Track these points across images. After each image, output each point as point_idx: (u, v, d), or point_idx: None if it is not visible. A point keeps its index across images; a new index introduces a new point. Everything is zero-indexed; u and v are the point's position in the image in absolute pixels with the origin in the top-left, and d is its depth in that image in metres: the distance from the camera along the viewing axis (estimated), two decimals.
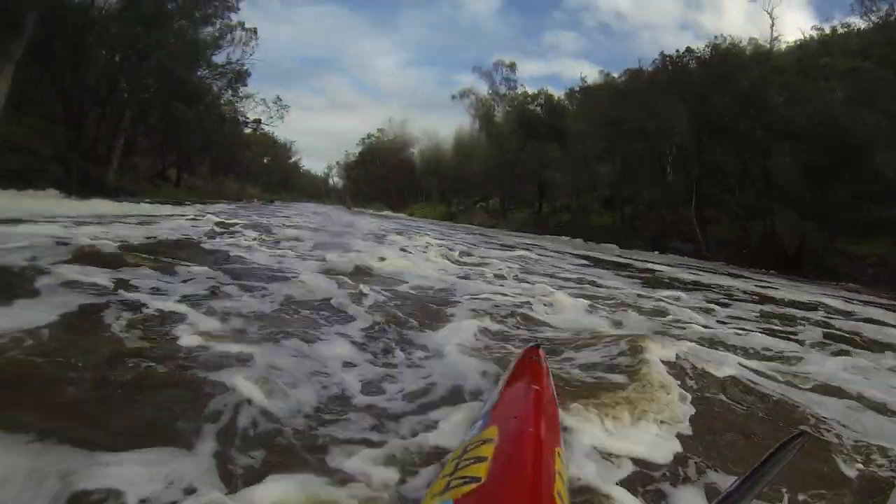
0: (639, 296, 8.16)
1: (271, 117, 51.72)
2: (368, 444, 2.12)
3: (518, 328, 4.72)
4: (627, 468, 2.19)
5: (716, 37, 37.08)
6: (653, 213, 41.35)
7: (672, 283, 12.04)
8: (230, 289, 4.73)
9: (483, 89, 64.33)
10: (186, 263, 5.52)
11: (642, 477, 2.17)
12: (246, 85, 44.40)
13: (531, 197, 59.16)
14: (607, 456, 2.24)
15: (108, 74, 29.40)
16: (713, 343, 4.77)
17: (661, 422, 2.64)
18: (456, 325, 4.40)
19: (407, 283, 6.48)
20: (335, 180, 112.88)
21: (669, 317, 6.34)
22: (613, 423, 2.49)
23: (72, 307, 3.37)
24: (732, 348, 4.71)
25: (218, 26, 35.85)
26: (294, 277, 5.55)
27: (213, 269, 5.44)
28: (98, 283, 4.04)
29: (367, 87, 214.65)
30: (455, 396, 2.72)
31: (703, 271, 19.10)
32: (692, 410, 2.84)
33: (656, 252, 32.25)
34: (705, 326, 5.81)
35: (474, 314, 4.81)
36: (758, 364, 4.06)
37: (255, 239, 9.91)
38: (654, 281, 12.21)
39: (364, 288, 5.27)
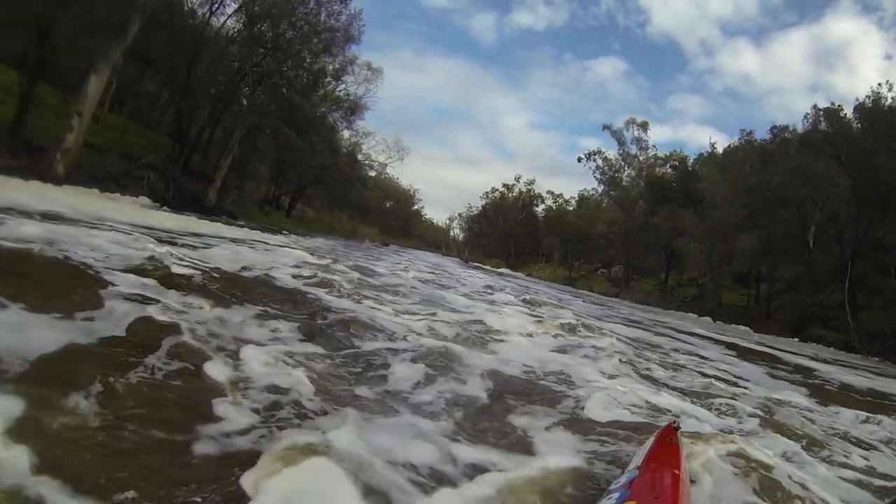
0: (825, 426, 5.78)
1: (390, 157, 52.42)
2: None
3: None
4: None
5: (879, 84, 31.37)
6: (790, 295, 37.56)
7: (847, 394, 9.59)
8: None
9: (612, 150, 62.06)
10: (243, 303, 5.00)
11: None
12: (363, 119, 45.20)
13: (656, 267, 56.10)
14: None
15: (223, 95, 29.93)
16: None
17: None
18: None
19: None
20: (456, 232, 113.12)
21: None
22: None
23: None
24: None
25: (339, 57, 36.27)
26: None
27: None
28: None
29: (494, 145, 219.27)
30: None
31: (871, 372, 16.04)
32: None
33: (796, 339, 28.95)
34: None
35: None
36: None
37: (349, 282, 9.28)
38: (821, 389, 9.59)
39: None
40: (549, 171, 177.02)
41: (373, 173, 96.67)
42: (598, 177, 61.15)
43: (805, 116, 35.84)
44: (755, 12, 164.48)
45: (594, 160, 59.98)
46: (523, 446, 3.18)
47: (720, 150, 48.23)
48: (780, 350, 18.98)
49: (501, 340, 6.80)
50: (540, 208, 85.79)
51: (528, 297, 18.76)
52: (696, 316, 35.70)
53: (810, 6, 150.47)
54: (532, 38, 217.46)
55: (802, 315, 33.89)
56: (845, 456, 4.32)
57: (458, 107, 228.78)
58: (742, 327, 31.48)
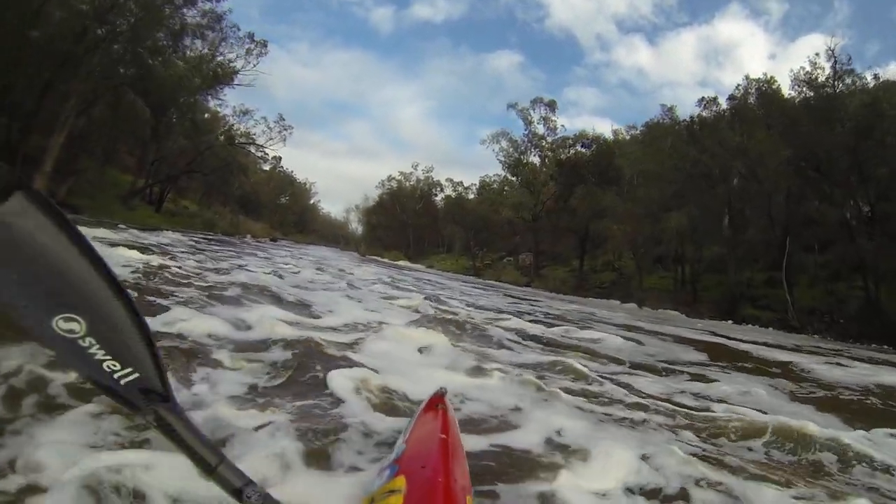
0: None
1: (271, 139, 46.41)
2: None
3: None
4: None
5: (816, 54, 29.75)
6: (714, 276, 35.21)
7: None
8: None
9: (517, 131, 58.50)
10: None
11: None
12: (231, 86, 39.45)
13: (567, 253, 52.96)
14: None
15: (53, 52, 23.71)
16: None
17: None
18: None
19: None
20: (354, 226, 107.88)
21: None
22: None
23: None
24: None
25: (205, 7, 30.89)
26: None
27: None
28: None
29: (390, 137, 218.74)
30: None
31: (843, 358, 12.66)
32: None
33: (730, 321, 27.16)
34: None
35: None
36: None
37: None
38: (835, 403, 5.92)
39: None
40: (447, 162, 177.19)
41: (266, 167, 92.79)
42: (503, 159, 56.95)
43: (738, 86, 34.25)
44: (649, 11, 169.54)
45: (498, 142, 55.80)
46: None
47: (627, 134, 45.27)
48: (729, 339, 15.43)
49: None
50: (439, 197, 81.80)
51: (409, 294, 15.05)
52: (619, 302, 32.65)
53: (701, 8, 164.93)
54: (430, 30, 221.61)
55: (730, 295, 31.89)
56: None
57: (355, 100, 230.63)
58: (672, 312, 29.20)
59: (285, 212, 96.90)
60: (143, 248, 11.54)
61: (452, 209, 69.90)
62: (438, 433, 1.93)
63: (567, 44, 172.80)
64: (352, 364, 3.90)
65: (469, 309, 11.71)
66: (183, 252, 13.66)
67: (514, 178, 58.91)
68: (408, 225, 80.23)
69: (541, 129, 54.51)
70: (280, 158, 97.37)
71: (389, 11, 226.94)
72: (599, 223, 41.24)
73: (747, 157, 30.14)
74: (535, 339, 7.97)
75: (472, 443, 2.80)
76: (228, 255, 17.28)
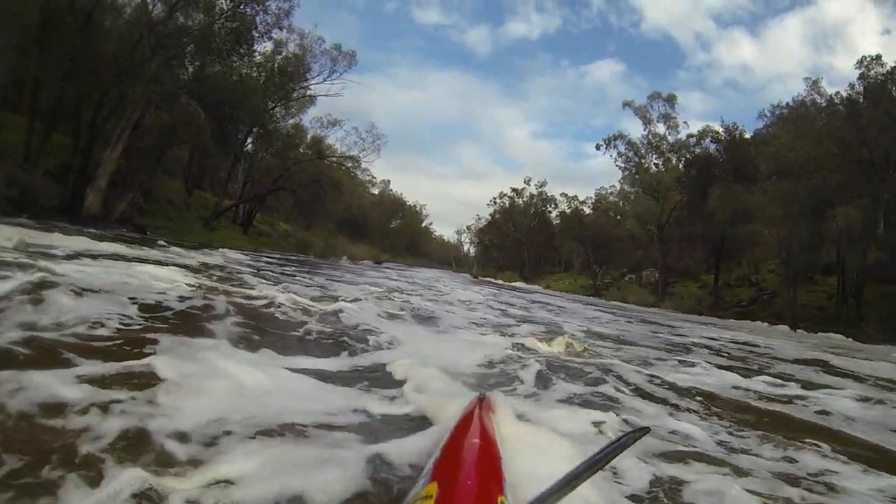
0: None
1: (364, 150, 44.00)
2: None
3: None
4: None
5: None
6: (874, 287, 29.77)
7: None
8: None
9: (635, 132, 53.70)
10: None
11: None
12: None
13: (696, 267, 47.87)
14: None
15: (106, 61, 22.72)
16: None
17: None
18: None
19: None
20: (467, 248, 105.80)
21: None
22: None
23: None
24: None
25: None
26: None
27: None
28: None
29: (497, 157, 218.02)
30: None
31: None
32: None
33: None
34: None
35: None
36: None
37: None
38: None
39: None
40: (555, 179, 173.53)
41: (375, 190, 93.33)
42: (622, 165, 51.81)
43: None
44: (746, 0, 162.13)
45: (615, 146, 50.89)
46: None
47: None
48: None
49: None
50: (553, 213, 78.21)
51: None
52: (766, 325, 27.96)
53: None
54: (528, 47, 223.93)
55: None
56: None
57: (460, 121, 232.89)
58: (835, 336, 24.04)
59: (396, 235, 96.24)
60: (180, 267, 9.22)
61: (570, 224, 65.72)
62: (472, 437, 1.95)
63: (666, 46, 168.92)
64: None
65: (619, 351, 8.57)
66: (229, 272, 11.17)
67: (634, 186, 54.11)
68: (522, 243, 76.89)
69: (661, 129, 49.68)
70: (389, 182, 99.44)
71: (484, 31, 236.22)
72: (743, 227, 35.81)
73: None
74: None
75: None
76: (295, 274, 14.80)
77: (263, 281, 10.57)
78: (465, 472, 1.64)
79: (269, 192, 40.12)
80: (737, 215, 35.65)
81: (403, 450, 2.44)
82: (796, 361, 11.12)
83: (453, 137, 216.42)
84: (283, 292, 7.93)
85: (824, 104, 32.03)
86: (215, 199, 36.03)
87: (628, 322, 18.19)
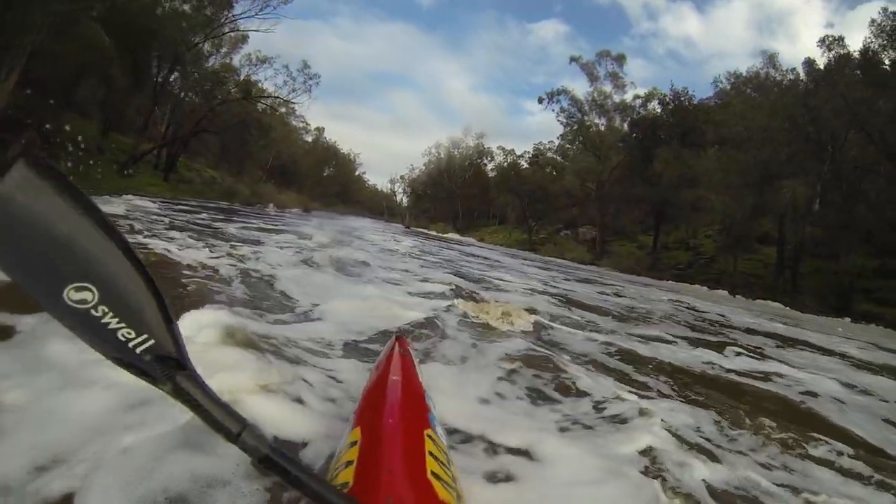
0: None
1: (294, 90, 41.26)
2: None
3: None
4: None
5: None
6: (812, 261, 29.91)
7: None
8: None
9: (579, 89, 52.21)
10: None
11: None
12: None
13: (632, 227, 47.42)
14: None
15: None
16: None
17: None
18: None
19: None
20: (401, 197, 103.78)
21: None
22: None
23: None
24: None
25: None
26: None
27: None
28: None
29: (435, 108, 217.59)
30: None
31: None
32: None
33: (848, 319, 21.73)
34: None
35: None
36: None
37: None
38: None
39: None
40: (493, 135, 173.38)
41: (308, 138, 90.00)
42: (564, 121, 50.60)
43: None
44: None
45: (558, 101, 49.35)
46: None
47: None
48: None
49: None
50: (490, 166, 77.16)
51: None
52: (705, 289, 27.77)
53: None
54: (473, 1, 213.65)
55: (837, 286, 26.69)
56: None
57: (400, 70, 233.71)
58: (773, 304, 24.28)
59: (329, 183, 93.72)
60: None
61: (507, 177, 64.49)
62: (392, 376, 1.90)
63: (613, 12, 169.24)
64: None
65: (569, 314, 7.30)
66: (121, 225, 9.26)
67: (574, 143, 52.93)
68: (456, 195, 75.56)
69: (608, 87, 48.37)
70: (323, 129, 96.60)
71: None
72: (688, 192, 34.77)
73: (877, 116, 24.64)
74: None
75: None
76: (206, 226, 12.87)
77: (159, 234, 8.84)
78: (386, 411, 1.58)
79: (192, 134, 36.63)
80: (683, 179, 34.99)
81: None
82: (752, 332, 10.31)
83: (392, 88, 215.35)
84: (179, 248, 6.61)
85: (779, 79, 31.40)
86: (133, 143, 32.72)
87: (568, 280, 17.09)
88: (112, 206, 11.79)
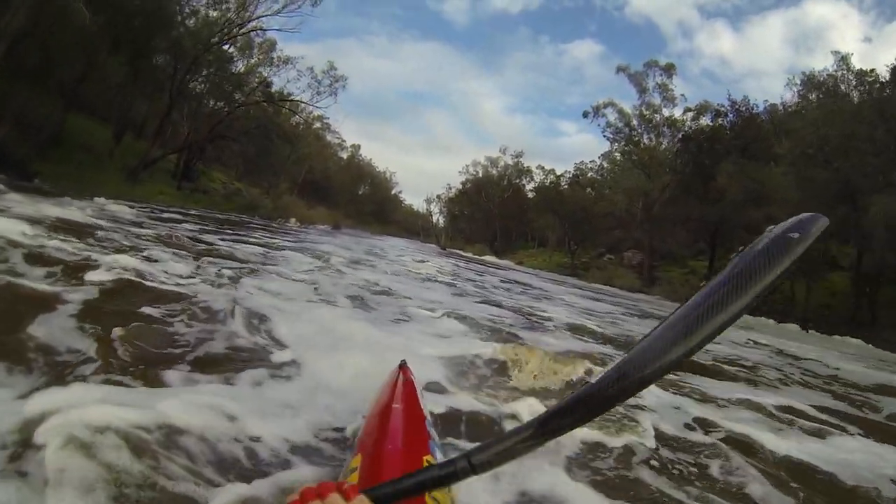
0: None
1: (319, 93, 38.98)
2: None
3: None
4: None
5: None
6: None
7: None
8: None
9: (627, 101, 49.27)
10: None
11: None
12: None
13: (679, 251, 44.41)
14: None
15: None
16: None
17: None
18: None
19: None
20: (437, 218, 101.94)
21: None
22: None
23: None
24: None
25: None
26: None
27: None
28: None
29: (469, 129, 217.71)
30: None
31: None
32: None
33: None
34: None
35: None
36: None
37: None
38: None
39: None
40: (527, 156, 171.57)
41: (344, 155, 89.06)
42: (610, 136, 47.46)
43: None
44: None
45: (603, 115, 46.21)
46: None
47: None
48: None
49: None
50: (528, 186, 74.17)
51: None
52: (773, 322, 24.76)
53: None
54: (507, 21, 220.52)
55: None
56: None
57: (434, 91, 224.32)
58: (852, 341, 20.97)
59: (364, 202, 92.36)
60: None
61: (548, 196, 61.47)
62: (394, 403, 1.92)
63: (648, 31, 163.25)
64: None
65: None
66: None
67: (623, 159, 49.53)
68: (494, 216, 72.94)
69: (656, 99, 45.21)
70: (359, 147, 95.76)
71: (464, 3, 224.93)
72: (755, 211, 30.58)
73: None
74: None
75: None
76: (199, 240, 10.89)
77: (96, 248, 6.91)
78: (387, 438, 1.61)
79: (209, 140, 34.81)
80: (749, 196, 31.50)
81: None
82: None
83: (426, 107, 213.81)
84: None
85: (854, 83, 28.36)
86: (147, 148, 31.15)
87: (629, 315, 14.66)
88: (71, 209, 9.89)
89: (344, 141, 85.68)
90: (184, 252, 7.85)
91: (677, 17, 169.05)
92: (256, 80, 37.64)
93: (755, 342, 13.02)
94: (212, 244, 10.36)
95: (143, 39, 26.07)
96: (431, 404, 2.78)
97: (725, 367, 7.44)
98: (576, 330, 8.52)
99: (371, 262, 13.90)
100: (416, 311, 7.26)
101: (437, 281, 13.35)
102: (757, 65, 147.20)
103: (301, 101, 39.22)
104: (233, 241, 12.23)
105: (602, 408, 0.92)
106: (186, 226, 13.91)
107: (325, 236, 26.22)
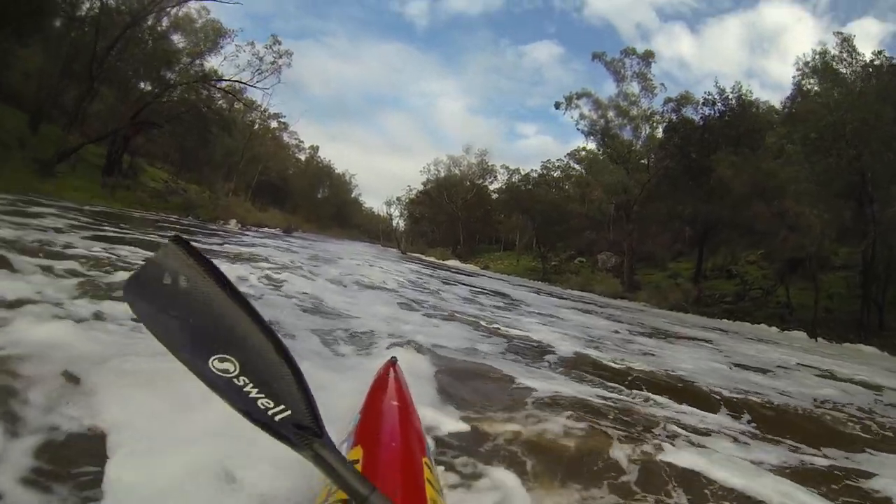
0: None
1: (261, 71, 35.03)
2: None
3: None
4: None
5: None
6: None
7: None
8: None
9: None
10: None
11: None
12: None
13: (659, 253, 41.84)
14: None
15: None
16: None
17: None
18: None
19: None
20: (398, 221, 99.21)
21: None
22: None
23: None
24: None
25: None
26: None
27: None
28: None
29: (430, 131, 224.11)
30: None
31: None
32: None
33: None
34: None
35: None
36: None
37: None
38: None
39: None
40: (489, 157, 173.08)
41: (302, 156, 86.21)
42: (584, 128, 43.48)
43: None
44: None
45: (576, 106, 42.74)
46: None
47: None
48: None
49: None
50: (493, 186, 72.08)
51: None
52: (776, 330, 22.37)
53: None
54: (467, 22, 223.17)
55: None
56: None
57: (394, 93, 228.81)
58: (866, 348, 19.35)
59: (323, 205, 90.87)
60: None
61: (517, 195, 57.79)
62: (391, 400, 1.97)
63: (607, 34, 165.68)
64: None
65: None
66: None
67: (600, 153, 45.85)
68: (457, 218, 70.17)
69: (635, 88, 41.81)
70: (317, 148, 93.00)
71: (424, 4, 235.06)
72: (761, 206, 26.68)
73: None
74: None
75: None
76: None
77: None
78: (388, 435, 1.63)
79: (132, 126, 30.00)
80: (755, 189, 27.74)
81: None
82: None
83: (387, 109, 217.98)
84: None
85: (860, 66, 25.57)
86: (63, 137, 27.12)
87: (639, 331, 11.42)
88: None
89: (302, 142, 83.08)
90: None
91: (635, 19, 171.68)
92: (187, 56, 33.20)
93: (802, 365, 9.99)
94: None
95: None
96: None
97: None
98: (590, 368, 5.31)
99: (312, 269, 10.81)
100: (349, 333, 5.14)
101: (392, 290, 10.38)
102: (715, 67, 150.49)
103: (240, 82, 34.80)
104: (109, 242, 8.70)
105: None
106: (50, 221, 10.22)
107: (267, 240, 22.46)
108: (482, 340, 6.00)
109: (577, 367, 5.33)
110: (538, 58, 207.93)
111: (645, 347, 8.31)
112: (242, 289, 5.27)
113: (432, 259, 53.01)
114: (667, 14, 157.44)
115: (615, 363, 5.95)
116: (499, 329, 7.22)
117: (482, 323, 7.58)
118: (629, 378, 5.11)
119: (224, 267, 7.29)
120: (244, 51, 34.78)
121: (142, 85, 32.23)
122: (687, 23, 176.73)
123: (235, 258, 10.28)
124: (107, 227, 11.42)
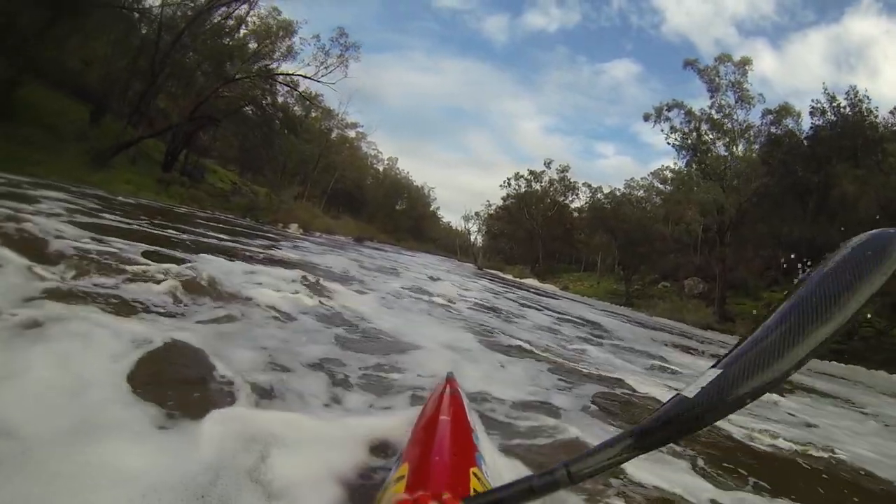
0: None
1: (325, 65, 33.37)
2: None
3: None
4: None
5: None
6: None
7: None
8: None
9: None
10: None
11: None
12: None
13: (752, 281, 38.90)
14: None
15: None
16: None
17: None
18: None
19: None
20: (475, 237, 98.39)
21: None
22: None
23: None
24: None
25: None
26: None
27: None
28: None
29: (508, 148, 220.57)
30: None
31: None
32: None
33: None
34: None
35: None
36: None
37: None
38: None
39: None
40: (575, 175, 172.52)
41: (381, 167, 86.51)
42: (676, 142, 40.68)
43: None
44: (772, 10, 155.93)
45: (667, 118, 40.15)
46: None
47: None
48: None
49: None
50: (574, 204, 70.16)
51: None
52: (885, 374, 19.46)
53: (830, 5, 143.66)
54: (545, 40, 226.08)
55: None
56: None
57: (472, 109, 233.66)
58: None
59: (402, 217, 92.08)
60: None
61: (602, 214, 55.62)
62: (441, 414, 1.94)
63: (685, 50, 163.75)
64: None
65: None
66: None
67: (694, 169, 41.83)
68: (537, 235, 68.17)
69: (731, 98, 38.65)
70: (396, 160, 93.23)
71: (502, 21, 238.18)
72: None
73: None
74: None
75: None
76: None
77: None
78: (434, 449, 1.60)
79: (191, 122, 29.84)
80: (887, 209, 24.70)
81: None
82: None
83: (464, 125, 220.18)
84: None
85: None
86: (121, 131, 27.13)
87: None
88: None
89: (380, 152, 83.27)
90: None
91: (713, 35, 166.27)
92: (251, 50, 32.87)
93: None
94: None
95: None
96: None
97: None
98: (726, 444, 3.83)
99: (373, 286, 9.75)
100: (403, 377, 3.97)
101: (460, 311, 9.27)
102: (797, 83, 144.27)
103: (303, 76, 33.76)
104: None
105: (696, 426, 0.91)
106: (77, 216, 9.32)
107: (333, 249, 21.30)
108: (566, 391, 4.62)
109: (708, 444, 3.84)
110: (616, 75, 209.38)
111: (788, 408, 6.60)
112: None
113: (509, 276, 51.70)
114: (747, 30, 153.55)
115: (754, 439, 4.40)
116: (599, 377, 5.78)
117: (571, 361, 6.15)
118: (775, 463, 3.61)
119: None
120: (309, 44, 34.15)
121: (203, 81, 32.10)
122: (768, 38, 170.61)
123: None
124: (106, 216, 10.47)
